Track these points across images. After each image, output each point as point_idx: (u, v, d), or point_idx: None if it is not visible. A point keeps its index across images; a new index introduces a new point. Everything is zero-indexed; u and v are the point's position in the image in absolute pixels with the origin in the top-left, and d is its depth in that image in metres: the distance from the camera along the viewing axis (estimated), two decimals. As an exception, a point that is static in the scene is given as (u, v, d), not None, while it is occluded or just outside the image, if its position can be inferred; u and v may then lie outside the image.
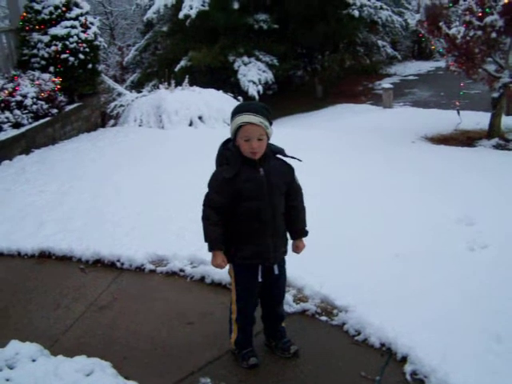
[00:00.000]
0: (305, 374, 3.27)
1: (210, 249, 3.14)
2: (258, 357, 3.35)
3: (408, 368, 3.23)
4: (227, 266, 3.28)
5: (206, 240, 3.14)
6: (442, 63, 18.29)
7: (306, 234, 3.36)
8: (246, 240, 3.15)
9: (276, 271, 3.26)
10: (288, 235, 3.34)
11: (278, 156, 3.20)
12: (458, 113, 11.39)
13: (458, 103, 11.66)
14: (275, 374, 3.27)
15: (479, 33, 9.22)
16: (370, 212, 5.68)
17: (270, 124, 3.10)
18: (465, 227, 5.27)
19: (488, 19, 9.03)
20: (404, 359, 3.31)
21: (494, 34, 9.10)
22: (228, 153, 3.12)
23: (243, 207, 3.09)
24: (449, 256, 4.61)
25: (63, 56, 10.20)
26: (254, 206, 3.08)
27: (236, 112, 3.09)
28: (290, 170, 3.24)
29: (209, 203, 3.13)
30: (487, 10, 9.12)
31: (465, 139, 10.34)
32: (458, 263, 4.48)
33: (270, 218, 3.12)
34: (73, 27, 10.38)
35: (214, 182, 3.14)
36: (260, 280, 3.22)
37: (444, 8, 9.77)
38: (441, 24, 9.62)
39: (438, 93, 18.25)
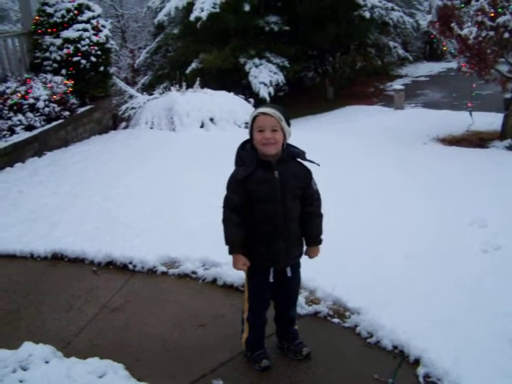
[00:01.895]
0: (317, 376, 3.26)
1: (230, 252, 3.14)
2: (270, 359, 3.34)
3: (421, 371, 3.21)
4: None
5: (226, 243, 3.14)
6: (453, 64, 18.22)
7: (319, 242, 3.34)
8: (258, 242, 3.14)
9: (289, 273, 3.25)
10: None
11: (297, 159, 3.19)
12: (470, 114, 11.32)
13: (470, 104, 11.59)
14: (287, 376, 3.27)
15: (491, 33, 9.15)
16: (381, 214, 5.66)
17: (288, 123, 3.10)
18: (478, 229, 5.24)
19: (500, 19, 8.96)
20: (417, 362, 3.30)
21: (506, 35, 9.03)
22: (244, 153, 3.13)
23: (256, 209, 3.09)
24: (462, 257, 4.59)
25: (75, 59, 10.26)
26: (266, 208, 3.08)
27: (254, 111, 3.14)
28: (306, 174, 3.21)
29: (228, 204, 3.14)
30: (500, 10, 9.05)
31: (477, 140, 10.26)
32: (471, 265, 4.46)
33: (283, 221, 3.11)
34: (85, 30, 10.44)
35: (230, 183, 3.15)
36: (271, 280, 3.23)
37: (456, 9, 9.71)
38: (452, 25, 9.55)
39: (449, 94, 18.17)
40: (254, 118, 3.08)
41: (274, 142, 3.04)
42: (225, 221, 3.14)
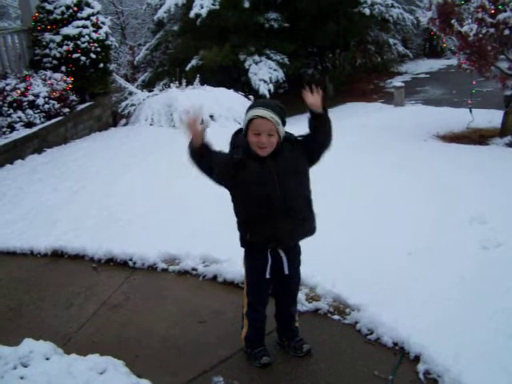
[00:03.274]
0: (317, 373, 3.26)
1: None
2: (271, 356, 3.34)
3: (421, 367, 3.22)
4: (241, 263, 3.31)
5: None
6: (453, 61, 18.16)
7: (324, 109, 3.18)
8: (260, 225, 3.11)
9: (286, 271, 3.24)
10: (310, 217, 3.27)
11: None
12: (471, 111, 11.30)
13: (470, 101, 11.58)
14: (288, 373, 3.27)
15: (492, 30, 9.13)
16: (382, 211, 5.65)
17: (283, 123, 3.07)
18: (477, 226, 5.23)
19: (501, 16, 8.95)
20: (417, 358, 3.30)
21: (506, 31, 9.02)
22: (238, 141, 3.13)
23: (253, 193, 3.06)
24: (462, 254, 4.58)
25: (75, 56, 10.24)
26: (262, 191, 3.05)
27: (250, 107, 3.09)
28: (298, 145, 3.17)
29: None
30: (500, 6, 9.03)
31: (477, 137, 10.26)
32: (471, 262, 4.46)
33: (282, 202, 3.06)
34: (84, 27, 10.42)
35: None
36: (268, 277, 3.22)
37: (456, 5, 9.69)
38: (453, 22, 9.53)
39: (449, 91, 18.14)
40: (251, 120, 3.03)
41: (267, 146, 3.03)
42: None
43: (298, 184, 3.15)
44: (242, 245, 3.25)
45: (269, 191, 3.05)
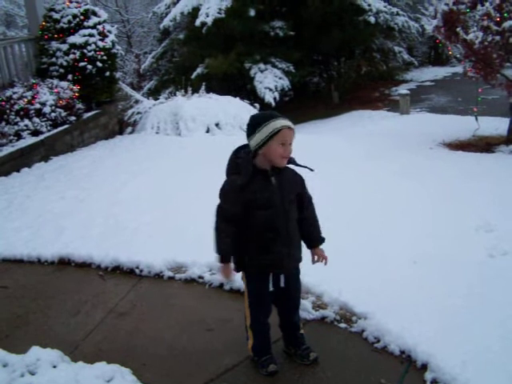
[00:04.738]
0: (324, 381, 3.25)
1: (222, 261, 3.17)
2: (278, 364, 3.34)
3: (428, 376, 3.20)
4: (240, 275, 3.32)
5: (217, 251, 3.16)
6: (458, 69, 18.19)
7: (322, 240, 3.36)
8: (260, 249, 3.13)
9: (282, 284, 3.23)
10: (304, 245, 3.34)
11: (289, 166, 3.17)
12: (476, 118, 11.30)
13: (475, 109, 11.57)
14: (294, 381, 3.26)
15: (497, 38, 9.15)
16: (388, 219, 5.65)
17: None
18: (484, 234, 5.23)
19: (506, 24, 8.96)
20: (424, 367, 3.28)
21: (512, 39, 9.04)
22: (240, 161, 3.10)
23: (256, 216, 3.07)
24: (468, 263, 4.58)
25: (81, 64, 10.33)
26: (267, 214, 3.07)
27: (267, 119, 3.03)
28: (300, 179, 3.24)
29: (222, 214, 3.12)
30: (505, 14, 9.05)
31: (483, 145, 10.25)
32: (478, 270, 4.45)
33: (283, 226, 3.11)
34: (91, 35, 10.51)
35: (226, 192, 3.11)
36: (271, 289, 3.22)
37: (461, 13, 9.71)
38: (458, 29, 9.56)
39: (455, 98, 18.14)
40: (278, 131, 3.00)
41: (289, 155, 3.07)
42: (216, 230, 3.15)
43: (293, 209, 3.19)
44: (239, 270, 3.27)
45: (273, 212, 3.07)
